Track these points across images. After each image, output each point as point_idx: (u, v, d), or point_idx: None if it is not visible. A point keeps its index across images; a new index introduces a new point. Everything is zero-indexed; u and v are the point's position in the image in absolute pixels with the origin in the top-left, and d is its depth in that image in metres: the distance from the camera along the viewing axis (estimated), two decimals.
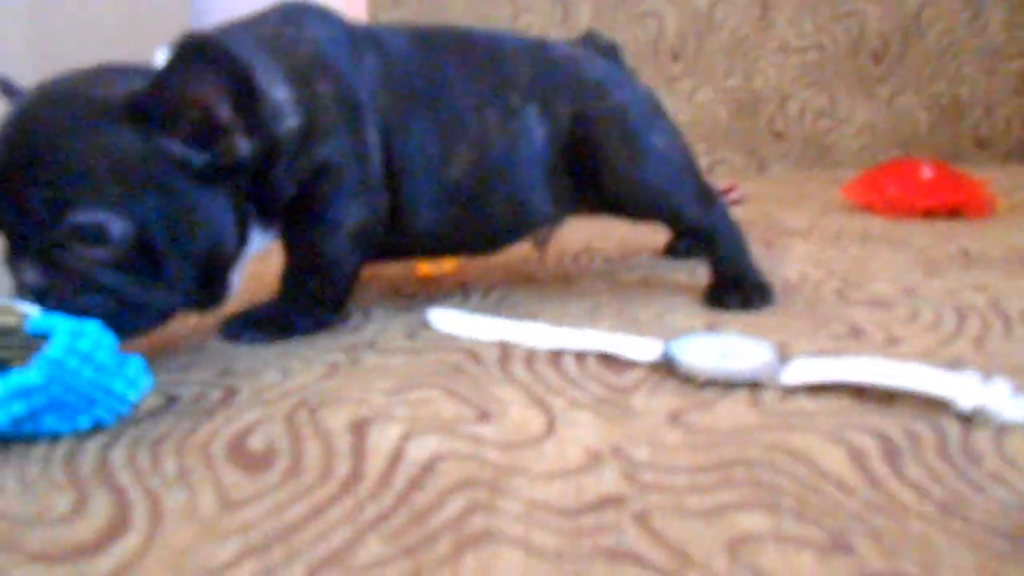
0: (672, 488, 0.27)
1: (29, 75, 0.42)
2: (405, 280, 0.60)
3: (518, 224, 0.50)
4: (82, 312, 0.35)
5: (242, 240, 0.41)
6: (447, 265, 0.62)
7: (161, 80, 0.36)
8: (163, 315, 0.39)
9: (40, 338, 0.34)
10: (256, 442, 0.32)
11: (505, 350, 0.43)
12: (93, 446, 0.32)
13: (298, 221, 0.44)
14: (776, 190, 1.07)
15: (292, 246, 0.46)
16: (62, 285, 0.35)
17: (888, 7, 1.23)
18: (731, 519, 0.25)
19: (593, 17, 1.28)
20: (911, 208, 0.78)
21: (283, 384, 0.38)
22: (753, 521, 0.25)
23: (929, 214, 0.78)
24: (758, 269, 0.52)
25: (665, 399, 0.35)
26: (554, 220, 0.52)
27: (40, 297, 0.35)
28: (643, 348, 0.40)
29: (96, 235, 0.35)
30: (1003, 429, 0.31)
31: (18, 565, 0.24)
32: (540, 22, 1.30)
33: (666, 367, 0.39)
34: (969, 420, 0.32)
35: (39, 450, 0.32)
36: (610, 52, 0.53)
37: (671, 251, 0.65)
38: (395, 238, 0.48)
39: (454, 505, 0.27)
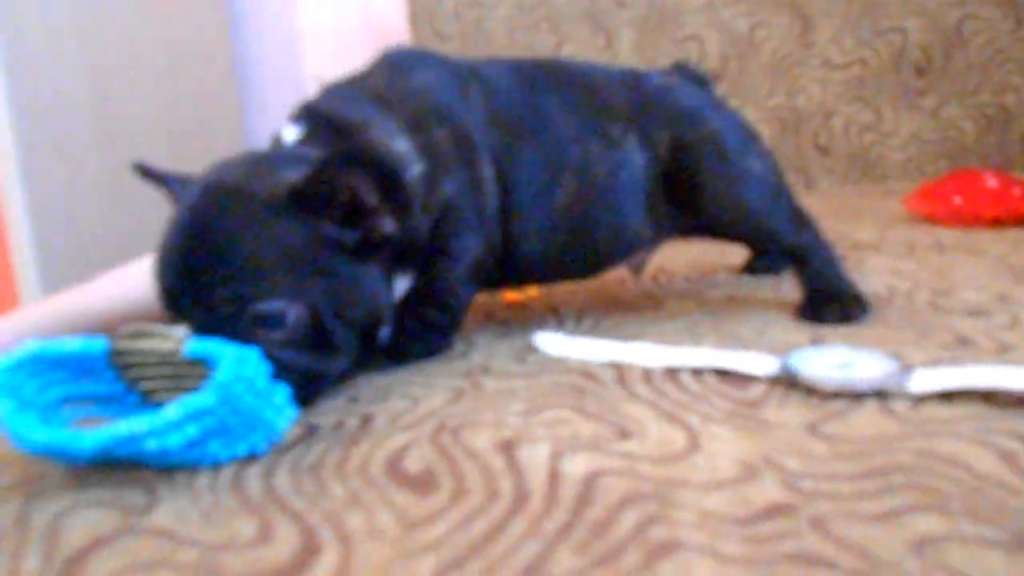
0: (837, 495, 0.28)
1: (86, 106, 0.44)
2: (496, 306, 0.62)
3: (620, 249, 0.52)
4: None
5: (391, 296, 0.44)
6: (532, 291, 0.64)
7: (317, 174, 0.39)
8: (337, 379, 0.43)
9: (196, 364, 0.36)
10: (412, 464, 0.33)
11: (619, 370, 0.44)
12: (255, 473, 0.33)
13: (422, 261, 0.47)
14: (830, 205, 1.08)
15: (414, 294, 0.48)
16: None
17: (929, 20, 1.24)
18: (907, 522, 0.26)
19: (636, 44, 1.31)
20: (978, 218, 0.78)
21: (414, 410, 0.40)
22: (929, 523, 0.26)
23: (996, 223, 0.78)
24: (852, 282, 0.52)
25: (796, 411, 0.36)
26: (652, 244, 0.54)
27: None
28: (759, 363, 0.41)
29: (275, 322, 0.38)
30: None
31: None
32: (583, 51, 1.32)
33: (787, 380, 0.39)
34: None
35: (203, 478, 0.33)
36: (701, 81, 0.55)
37: (750, 269, 0.66)
38: (507, 267, 0.49)
39: (629, 518, 0.28)
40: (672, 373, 0.42)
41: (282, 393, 0.36)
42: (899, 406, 0.36)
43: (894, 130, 1.28)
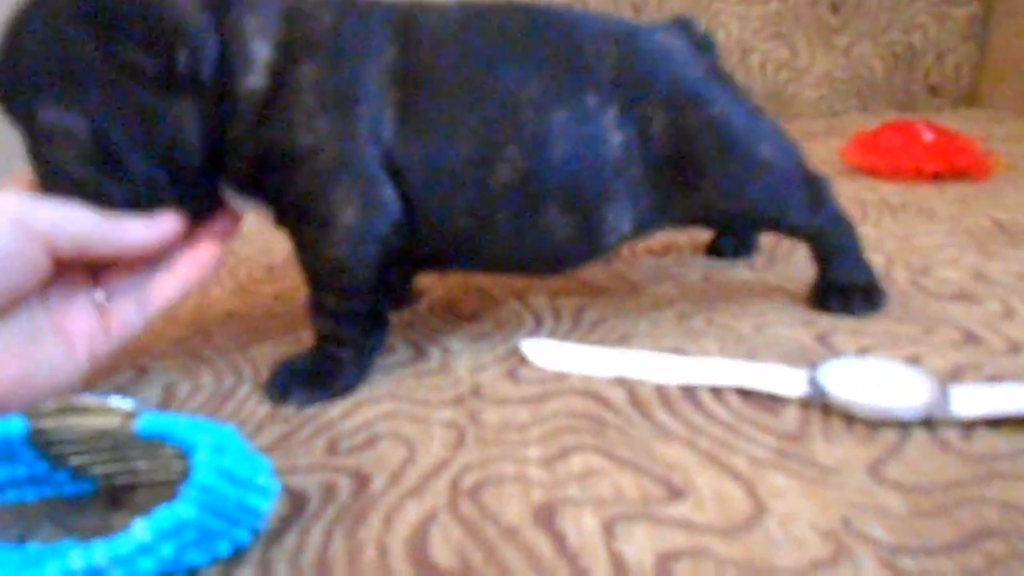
0: None
1: None
2: (458, 293, 0.56)
3: (587, 245, 0.44)
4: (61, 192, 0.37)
5: (210, 163, 0.40)
6: None
7: None
8: (138, 205, 0.39)
9: (153, 443, 0.29)
10: (440, 551, 0.28)
11: (629, 389, 0.39)
12: None
13: (292, 224, 0.41)
14: None
15: (301, 262, 0.42)
16: (51, 181, 0.38)
17: None
18: None
19: None
20: (919, 172, 0.78)
21: (415, 462, 0.34)
22: None
23: (936, 177, 0.78)
24: (870, 268, 0.49)
25: (848, 448, 0.33)
26: (632, 238, 0.47)
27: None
28: (785, 380, 0.38)
29: (65, 136, 0.37)
30: None
31: None
32: None
33: (819, 403, 0.36)
34: None
35: None
36: (704, 44, 0.47)
37: (716, 251, 0.61)
38: (424, 245, 0.42)
39: None
40: (689, 393, 0.39)
41: (264, 469, 0.29)
42: (950, 437, 0.33)
43: (808, 68, 1.27)
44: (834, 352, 0.42)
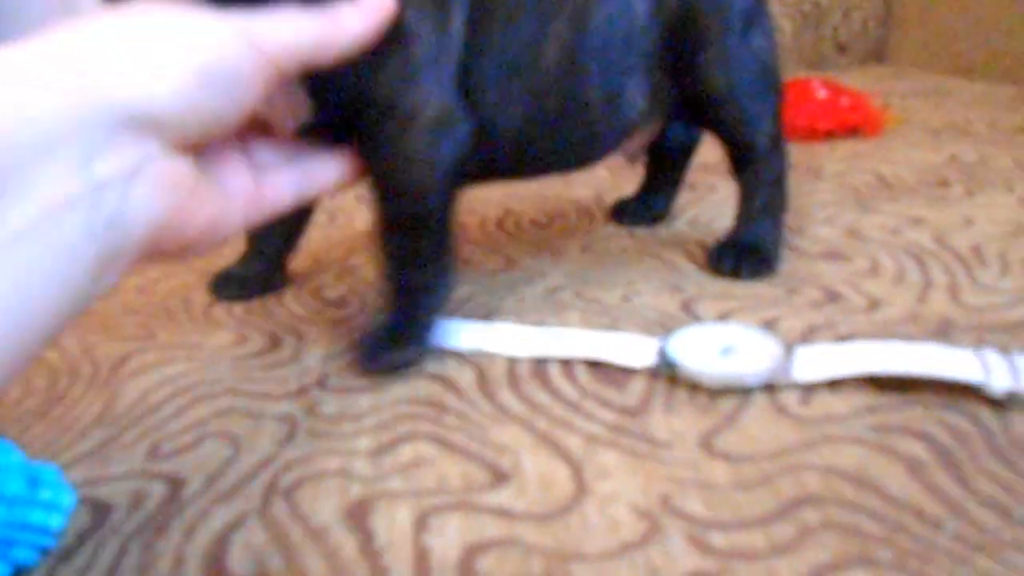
0: (753, 552, 0.24)
1: None
2: (331, 276, 0.53)
3: (617, 125, 0.44)
4: None
5: None
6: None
7: None
8: None
9: None
10: (240, 562, 0.26)
11: (480, 369, 0.38)
12: None
13: (373, 121, 0.36)
14: None
15: (377, 175, 0.37)
16: None
17: None
18: None
19: None
20: (812, 131, 0.78)
21: (237, 461, 0.32)
22: None
23: (829, 135, 0.78)
24: (778, 237, 0.48)
25: (685, 419, 0.32)
26: (644, 123, 0.46)
27: None
28: (635, 350, 0.37)
29: None
30: None
31: None
32: None
33: (667, 373, 0.35)
34: (1001, 404, 0.31)
35: None
36: None
37: (619, 214, 0.60)
38: (479, 150, 0.39)
39: None
40: (540, 369, 0.37)
41: (52, 481, 0.27)
42: (789, 401, 0.33)
43: None
44: (696, 319, 0.41)
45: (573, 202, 0.66)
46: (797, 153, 0.75)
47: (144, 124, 0.24)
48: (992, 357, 0.32)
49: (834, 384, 0.33)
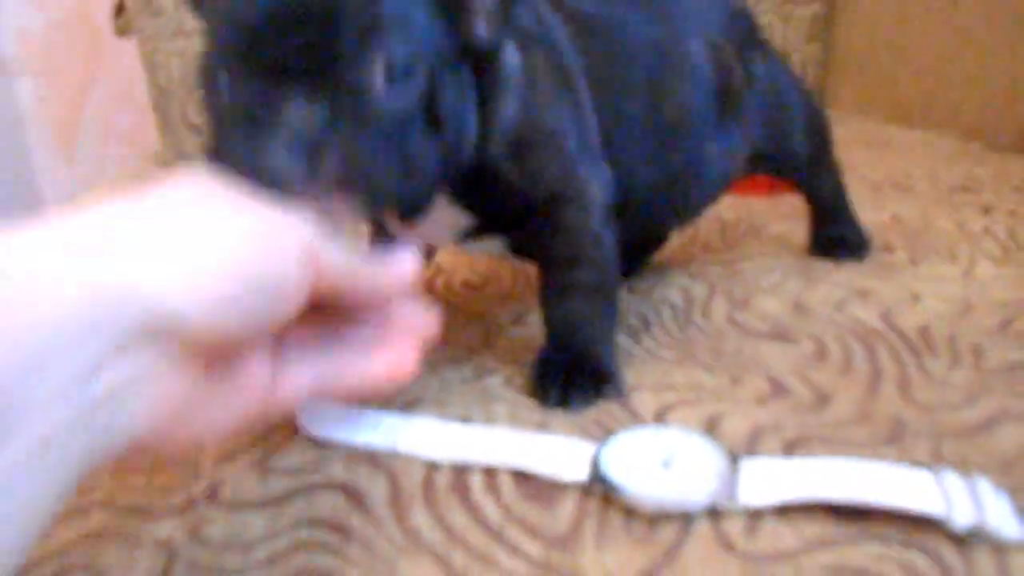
0: None
1: None
2: None
3: (727, 169, 0.51)
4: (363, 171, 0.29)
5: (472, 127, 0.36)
6: None
7: None
8: (428, 189, 0.33)
9: None
10: None
11: (394, 478, 0.34)
12: None
13: (547, 209, 0.40)
14: None
15: (555, 247, 0.41)
16: (348, 128, 0.29)
17: None
18: None
19: None
20: (753, 186, 0.76)
21: None
22: None
23: (772, 190, 0.77)
24: (855, 218, 0.61)
25: (620, 553, 0.29)
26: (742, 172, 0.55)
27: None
28: (566, 459, 0.33)
29: (405, 71, 0.30)
30: (1001, 548, 0.28)
31: None
32: None
33: (601, 490, 0.32)
34: (962, 540, 0.28)
35: None
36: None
37: None
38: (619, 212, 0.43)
39: None
40: (461, 479, 0.33)
41: None
42: (734, 528, 0.29)
43: None
44: (632, 414, 0.38)
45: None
46: (739, 207, 0.73)
47: (160, 330, 0.21)
48: (952, 482, 0.29)
49: (783, 510, 0.30)
